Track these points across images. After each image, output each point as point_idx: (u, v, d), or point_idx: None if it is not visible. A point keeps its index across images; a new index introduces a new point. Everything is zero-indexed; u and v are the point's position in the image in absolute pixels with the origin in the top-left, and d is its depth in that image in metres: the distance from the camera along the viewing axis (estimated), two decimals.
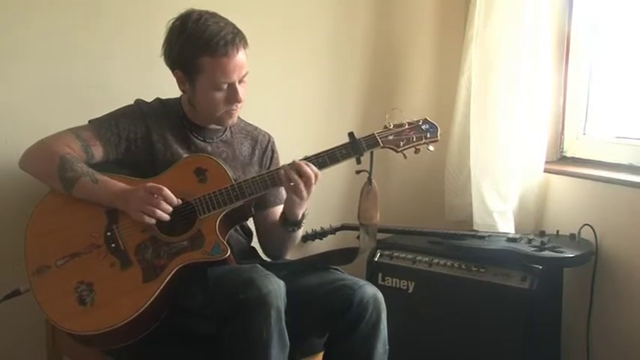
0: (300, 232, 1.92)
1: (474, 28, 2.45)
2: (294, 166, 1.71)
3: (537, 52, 2.35)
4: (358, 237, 1.87)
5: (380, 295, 1.74)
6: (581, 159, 2.47)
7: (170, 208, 1.67)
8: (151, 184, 1.68)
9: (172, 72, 1.80)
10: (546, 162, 2.45)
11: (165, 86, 1.88)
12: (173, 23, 1.77)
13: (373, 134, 1.78)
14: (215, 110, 1.79)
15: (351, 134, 1.77)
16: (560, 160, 2.54)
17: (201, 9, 1.77)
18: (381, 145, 1.78)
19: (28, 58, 2.00)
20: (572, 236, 2.21)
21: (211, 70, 1.72)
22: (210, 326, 1.61)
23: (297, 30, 2.44)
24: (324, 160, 1.75)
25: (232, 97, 1.77)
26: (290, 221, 1.83)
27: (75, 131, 1.78)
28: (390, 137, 1.79)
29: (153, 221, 1.66)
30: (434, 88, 2.72)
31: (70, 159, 1.71)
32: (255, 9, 2.27)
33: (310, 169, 1.71)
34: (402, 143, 1.79)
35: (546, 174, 2.45)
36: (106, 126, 1.79)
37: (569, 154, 2.53)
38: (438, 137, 1.83)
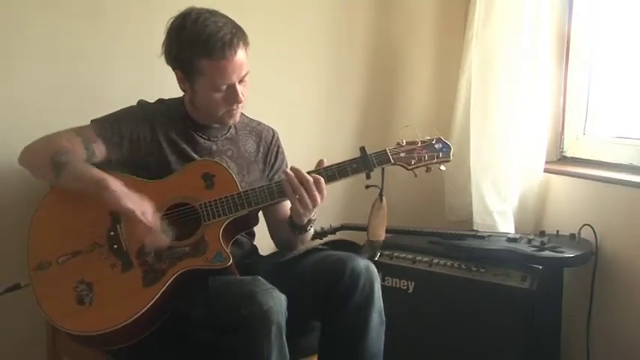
0: (310, 233, 1.90)
1: (474, 28, 2.45)
2: (291, 173, 1.69)
3: (537, 52, 2.35)
4: (362, 247, 1.87)
5: (372, 267, 1.74)
6: (581, 159, 2.47)
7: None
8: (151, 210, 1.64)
9: (173, 70, 1.79)
10: (546, 162, 2.45)
11: (166, 86, 1.87)
12: (172, 23, 1.75)
13: (385, 150, 1.77)
14: (216, 111, 1.78)
15: (362, 149, 1.76)
16: (560, 160, 2.54)
17: (201, 7, 1.75)
18: (392, 162, 1.77)
19: (28, 58, 2.00)
20: (572, 236, 2.21)
21: (210, 72, 1.71)
22: (209, 334, 1.61)
23: (297, 30, 2.44)
24: (332, 173, 1.74)
25: (232, 97, 1.75)
26: (297, 226, 1.82)
27: (76, 129, 1.75)
28: (402, 154, 1.78)
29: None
30: (434, 87, 2.72)
31: (67, 150, 1.68)
32: (254, 9, 2.27)
33: (307, 175, 1.69)
34: (413, 161, 1.79)
35: (546, 174, 2.45)
36: (108, 126, 1.77)
37: (569, 154, 2.53)
38: (451, 158, 1.82)
